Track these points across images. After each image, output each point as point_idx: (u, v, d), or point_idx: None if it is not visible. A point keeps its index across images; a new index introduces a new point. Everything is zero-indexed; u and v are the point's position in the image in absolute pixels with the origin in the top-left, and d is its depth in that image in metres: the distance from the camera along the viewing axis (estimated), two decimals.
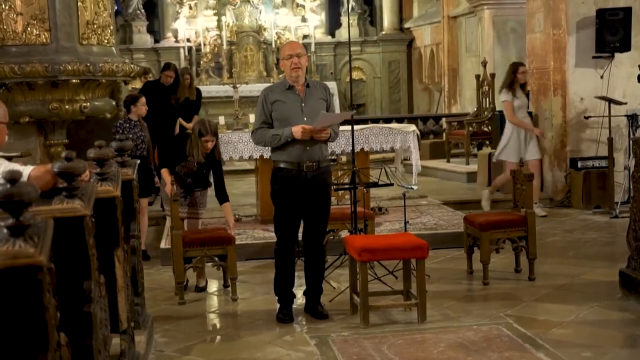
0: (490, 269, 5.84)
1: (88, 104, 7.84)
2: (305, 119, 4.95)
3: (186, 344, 4.69)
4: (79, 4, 7.74)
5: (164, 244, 6.96)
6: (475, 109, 12.04)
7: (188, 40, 15.92)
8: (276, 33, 16.11)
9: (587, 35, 8.75)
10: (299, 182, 4.96)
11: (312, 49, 15.91)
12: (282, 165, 5.00)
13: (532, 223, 5.87)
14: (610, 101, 8.47)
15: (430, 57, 15.95)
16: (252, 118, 7.69)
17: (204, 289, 5.97)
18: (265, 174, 7.29)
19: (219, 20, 16.00)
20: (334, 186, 6.05)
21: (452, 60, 14.61)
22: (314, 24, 16.43)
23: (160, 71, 9.34)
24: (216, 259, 5.69)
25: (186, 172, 5.96)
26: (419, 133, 8.38)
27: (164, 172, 6.06)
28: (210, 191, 6.20)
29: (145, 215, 7.05)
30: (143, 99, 7.05)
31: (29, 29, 7.50)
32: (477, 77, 11.84)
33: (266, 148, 6.95)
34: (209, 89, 15.42)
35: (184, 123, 9.33)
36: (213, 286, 6.12)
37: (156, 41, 16.31)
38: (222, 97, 14.87)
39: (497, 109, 10.84)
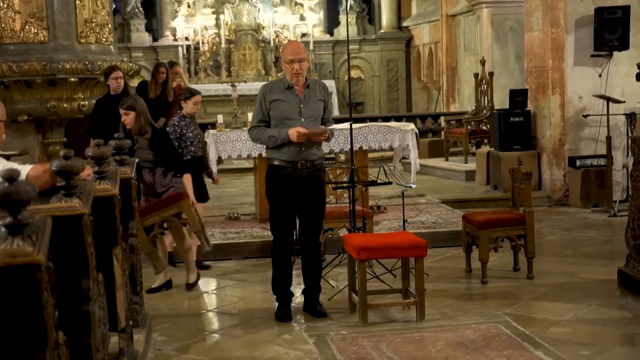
0: (489, 268, 5.84)
1: (86, 102, 7.84)
2: (302, 120, 4.94)
3: (185, 343, 4.69)
4: (77, 2, 7.75)
5: None
6: (473, 108, 12.05)
7: (186, 38, 15.92)
8: (275, 31, 16.12)
9: (586, 33, 8.75)
10: (293, 179, 4.96)
11: (311, 47, 15.91)
12: (276, 163, 5.01)
13: (530, 222, 5.87)
14: (609, 100, 8.47)
15: (428, 55, 15.95)
16: (250, 117, 7.68)
17: (194, 285, 5.90)
18: (263, 172, 7.27)
19: (217, 19, 16.00)
20: (332, 185, 6.05)
21: (451, 59, 14.62)
22: (313, 23, 16.43)
23: (104, 77, 7.23)
24: (175, 220, 5.57)
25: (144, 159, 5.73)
26: (417, 131, 8.38)
27: None
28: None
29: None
30: (197, 98, 6.44)
31: (27, 27, 7.50)
32: (476, 75, 11.83)
33: (264, 146, 6.95)
34: (207, 88, 15.43)
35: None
36: (212, 285, 6.12)
37: (154, 40, 16.31)
38: (220, 95, 14.88)
39: (496, 107, 10.86)
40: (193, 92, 6.51)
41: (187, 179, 5.83)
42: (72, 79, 7.63)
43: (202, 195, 6.40)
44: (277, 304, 5.12)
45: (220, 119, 8.29)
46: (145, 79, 15.72)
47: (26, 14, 7.48)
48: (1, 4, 7.45)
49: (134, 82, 12.68)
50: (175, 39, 16.09)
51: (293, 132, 4.86)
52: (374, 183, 6.00)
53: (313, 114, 4.99)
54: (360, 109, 16.62)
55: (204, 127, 12.33)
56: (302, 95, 4.99)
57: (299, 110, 4.96)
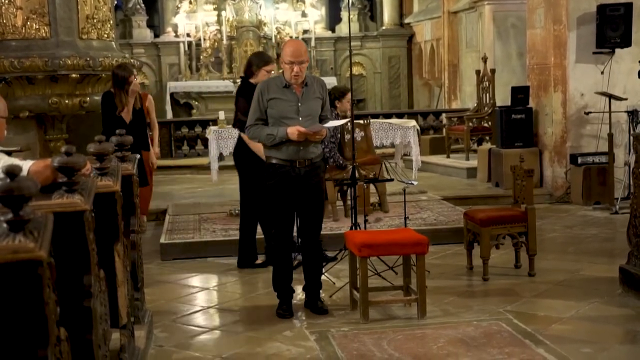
0: (490, 265, 5.84)
1: (88, 98, 7.84)
2: (300, 118, 4.93)
3: (186, 339, 4.69)
4: None
5: (164, 239, 6.96)
6: (475, 105, 12.04)
7: (188, 35, 15.90)
8: (276, 28, 16.09)
9: (588, 30, 8.74)
10: (291, 178, 4.96)
11: (312, 44, 15.88)
12: (274, 161, 5.00)
13: (532, 219, 5.86)
14: (611, 97, 8.46)
15: (430, 52, 15.93)
16: None
17: None
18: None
19: (219, 15, 15.98)
20: (335, 182, 6.06)
21: (453, 56, 14.60)
22: (314, 19, 16.40)
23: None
24: None
25: None
26: (419, 128, 8.39)
27: None
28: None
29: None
30: (349, 95, 6.57)
31: (28, 23, 7.50)
32: (477, 72, 11.82)
33: None
34: (208, 84, 15.45)
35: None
36: (213, 281, 6.13)
37: (156, 36, 16.30)
38: (222, 92, 14.89)
39: (498, 104, 10.84)
40: (343, 90, 6.74)
41: None
42: (74, 75, 7.63)
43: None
44: (278, 300, 5.12)
45: (221, 115, 8.29)
46: (147, 76, 15.73)
47: (28, 10, 7.47)
48: (3, 0, 7.45)
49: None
50: (176, 35, 16.08)
51: (293, 131, 4.83)
52: (376, 180, 6.00)
53: (311, 113, 4.97)
54: (362, 106, 16.60)
55: (206, 123, 12.37)
56: (300, 93, 4.97)
57: (297, 109, 4.94)
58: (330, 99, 6.35)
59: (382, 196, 7.25)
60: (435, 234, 6.81)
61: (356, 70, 16.89)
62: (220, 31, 15.85)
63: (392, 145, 8.22)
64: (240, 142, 6.14)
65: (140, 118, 7.15)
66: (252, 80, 6.10)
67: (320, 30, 16.64)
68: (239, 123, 6.06)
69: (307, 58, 5.03)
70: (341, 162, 6.54)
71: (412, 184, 6.25)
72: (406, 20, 16.97)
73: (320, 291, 5.21)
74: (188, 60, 15.93)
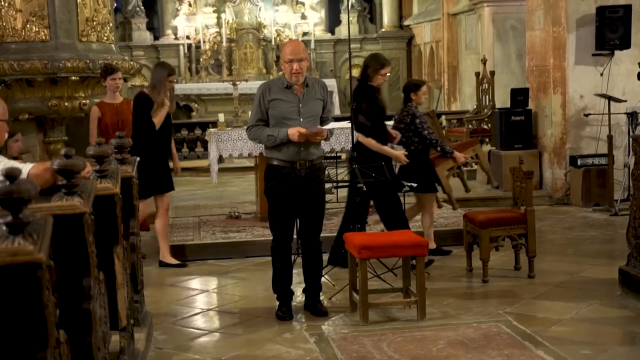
0: (490, 267, 5.84)
1: (87, 101, 7.84)
2: (301, 119, 4.93)
3: (185, 342, 4.69)
4: (78, 1, 7.75)
5: None
6: (474, 107, 12.03)
7: (187, 37, 15.93)
8: (276, 30, 16.12)
9: (587, 32, 8.75)
10: (292, 179, 4.96)
11: (312, 46, 15.90)
12: (275, 163, 5.00)
13: (531, 220, 5.87)
14: (610, 99, 8.47)
15: (430, 54, 15.94)
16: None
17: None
18: (264, 171, 7.27)
19: (218, 18, 16.01)
20: (333, 183, 6.05)
21: (452, 58, 14.60)
22: (314, 21, 16.42)
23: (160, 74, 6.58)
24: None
25: None
26: None
27: None
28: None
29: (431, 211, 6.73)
30: (425, 87, 6.58)
31: (28, 25, 7.51)
32: (477, 74, 11.81)
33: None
34: (208, 87, 15.46)
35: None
36: (212, 283, 6.13)
37: (156, 38, 16.32)
38: (221, 94, 14.90)
39: (497, 106, 10.84)
40: (419, 83, 6.66)
41: None
42: (73, 78, 7.64)
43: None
44: (277, 302, 5.12)
45: (221, 117, 8.29)
46: (147, 78, 15.73)
47: (27, 13, 7.48)
48: (3, 3, 7.46)
49: (136, 81, 12.71)
50: (176, 38, 16.10)
51: (294, 132, 4.84)
52: (373, 181, 5.99)
53: (312, 114, 4.98)
54: None
55: (205, 125, 12.37)
56: (301, 94, 4.98)
57: (298, 110, 4.95)
58: (406, 92, 6.48)
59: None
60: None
61: (356, 72, 16.84)
62: (219, 33, 15.86)
63: (392, 147, 8.20)
64: (359, 145, 6.02)
65: (168, 123, 6.71)
66: (370, 83, 6.03)
67: (319, 32, 16.65)
68: (361, 127, 5.96)
69: (307, 56, 5.04)
70: (447, 148, 6.44)
71: (412, 185, 6.25)
72: (405, 22, 16.99)
73: (320, 293, 5.21)
74: (188, 63, 15.95)
